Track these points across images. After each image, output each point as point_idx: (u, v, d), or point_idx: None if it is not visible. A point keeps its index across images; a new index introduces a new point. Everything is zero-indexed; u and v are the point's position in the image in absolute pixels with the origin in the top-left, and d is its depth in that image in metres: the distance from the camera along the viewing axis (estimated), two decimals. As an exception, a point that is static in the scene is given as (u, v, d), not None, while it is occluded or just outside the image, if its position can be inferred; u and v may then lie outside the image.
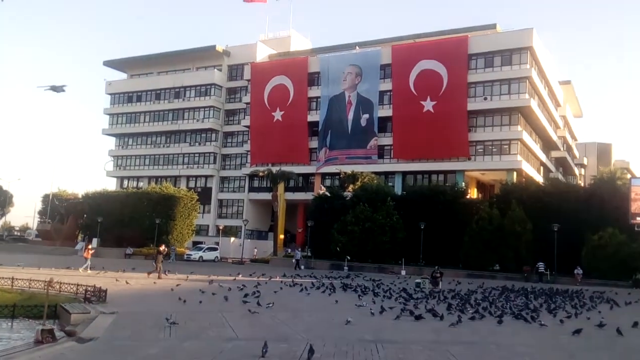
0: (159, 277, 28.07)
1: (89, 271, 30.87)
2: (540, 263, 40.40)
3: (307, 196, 60.06)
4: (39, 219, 77.41)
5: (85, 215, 65.85)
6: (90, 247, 36.02)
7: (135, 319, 13.72)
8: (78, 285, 18.94)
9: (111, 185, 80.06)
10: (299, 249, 47.92)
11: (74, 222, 67.47)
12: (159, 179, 74.27)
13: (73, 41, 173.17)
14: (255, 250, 58.87)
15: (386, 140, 61.39)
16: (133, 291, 21.90)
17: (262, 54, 73.96)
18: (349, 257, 45.83)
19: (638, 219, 41.37)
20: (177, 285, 23.98)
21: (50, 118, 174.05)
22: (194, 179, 75.31)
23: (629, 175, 53.07)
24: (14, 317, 16.70)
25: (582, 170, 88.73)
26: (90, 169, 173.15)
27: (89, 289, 17.71)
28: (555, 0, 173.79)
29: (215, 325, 13.70)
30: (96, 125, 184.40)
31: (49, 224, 70.26)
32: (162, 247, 32.23)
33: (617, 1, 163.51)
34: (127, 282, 24.49)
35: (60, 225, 67.71)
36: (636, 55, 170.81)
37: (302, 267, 45.76)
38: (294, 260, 46.74)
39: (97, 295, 17.35)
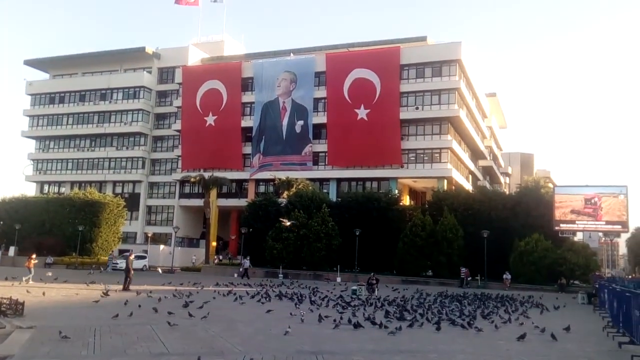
0: (126, 288, 26.19)
1: (31, 282, 28.73)
2: (463, 268, 41.32)
3: (241, 202, 59.13)
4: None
5: (1, 222, 62.04)
6: (33, 257, 33.61)
7: (56, 333, 12.56)
8: (-8, 297, 17.37)
9: (30, 190, 76.20)
10: (248, 258, 46.33)
11: (-11, 230, 63.40)
12: (83, 184, 71.25)
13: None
14: (194, 257, 57.09)
15: (321, 147, 61.39)
16: (53, 303, 20.40)
17: (195, 58, 72.43)
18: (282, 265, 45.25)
19: (562, 225, 43.23)
20: (102, 296, 22.59)
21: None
22: (121, 184, 72.56)
23: (550, 185, 55.46)
24: None
25: (507, 179, 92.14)
26: (7, 173, 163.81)
27: (4, 301, 16.23)
28: (481, 16, 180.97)
29: (144, 339, 12.74)
30: (15, 127, 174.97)
31: (-39, 231, 65.61)
32: (132, 257, 30.04)
33: (540, 19, 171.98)
34: (43, 294, 22.80)
35: (-25, 232, 63.40)
36: (556, 70, 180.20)
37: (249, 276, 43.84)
38: (241, 269, 45.20)
39: (14, 309, 15.93)
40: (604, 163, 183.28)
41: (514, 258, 41.65)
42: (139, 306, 18.96)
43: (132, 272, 27.61)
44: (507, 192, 63.73)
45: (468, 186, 61.46)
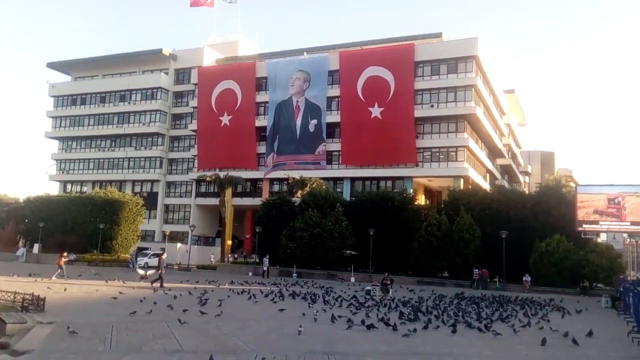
0: (160, 286, 27.08)
1: (54, 279, 29.89)
2: (476, 269, 40.50)
3: (256, 202, 59.37)
4: (-23, 224, 73.48)
5: (26, 221, 63.20)
6: (64, 255, 35.07)
7: (74, 329, 12.85)
8: (15, 293, 17.83)
9: (54, 189, 77.29)
10: (267, 257, 45.66)
11: (14, 228, 64.67)
12: (104, 184, 72.08)
13: (15, 42, 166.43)
14: (212, 255, 57.35)
15: (334, 145, 61.32)
16: (74, 299, 20.81)
17: (210, 59, 72.95)
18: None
19: (584, 226, 41.58)
20: (120, 293, 22.97)
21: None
22: (139, 183, 73.35)
23: (572, 184, 54.10)
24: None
25: (527, 178, 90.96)
26: (32, 172, 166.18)
27: (27, 297, 16.71)
28: (500, 10, 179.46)
29: (159, 337, 13.00)
30: (39, 128, 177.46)
31: (-13, 229, 66.92)
32: (164, 256, 30.80)
33: (560, 14, 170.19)
34: (65, 290, 23.27)
35: (0, 230, 64.71)
36: (577, 66, 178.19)
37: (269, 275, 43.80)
38: (264, 268, 44.79)
39: (35, 304, 16.38)
40: (628, 161, 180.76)
41: (534, 259, 40.36)
42: (154, 303, 19.27)
43: (164, 270, 28.58)
44: (527, 192, 62.71)
45: (485, 185, 60.89)
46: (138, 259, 52.24)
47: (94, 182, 73.99)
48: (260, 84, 66.15)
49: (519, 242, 40.93)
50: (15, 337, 12.46)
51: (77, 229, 57.26)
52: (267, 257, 45.89)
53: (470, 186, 55.02)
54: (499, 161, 73.77)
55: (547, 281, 39.22)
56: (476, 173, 59.13)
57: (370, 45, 63.27)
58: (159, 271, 28.41)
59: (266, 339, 13.49)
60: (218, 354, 10.74)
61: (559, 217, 41.92)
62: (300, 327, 14.58)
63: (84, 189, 73.92)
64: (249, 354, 11.39)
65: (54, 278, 30.01)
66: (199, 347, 12.02)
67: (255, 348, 12.07)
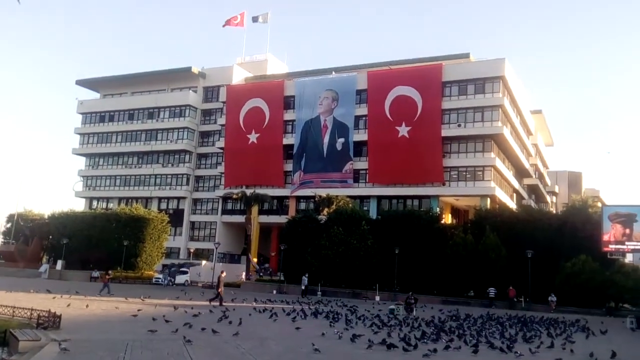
0: (220, 304, 27.44)
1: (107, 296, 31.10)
2: (491, 288, 40.26)
3: (282, 219, 59.27)
4: (2, 240, 74.81)
5: (50, 237, 63.77)
6: (109, 273, 37.33)
7: (88, 347, 12.75)
8: (32, 310, 17.83)
9: (80, 205, 78.47)
10: (307, 275, 44.35)
11: (38, 244, 65.32)
12: (130, 200, 72.84)
13: (46, 59, 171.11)
14: (243, 274, 57.10)
15: (361, 164, 61.22)
16: (92, 316, 20.79)
17: (239, 77, 73.72)
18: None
19: (611, 246, 41.31)
20: (139, 310, 22.92)
21: (17, 136, 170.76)
22: (165, 200, 74.04)
23: (599, 204, 53.33)
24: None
25: (554, 198, 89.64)
26: (59, 189, 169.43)
27: (42, 314, 16.65)
28: (526, 30, 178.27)
29: (173, 355, 12.81)
30: (66, 145, 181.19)
31: (12, 244, 67.88)
32: (224, 274, 30.96)
33: (586, 32, 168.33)
34: (87, 306, 23.33)
35: (25, 246, 65.26)
36: (605, 86, 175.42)
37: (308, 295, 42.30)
38: (302, 287, 43.45)
39: (51, 321, 16.29)
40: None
41: (560, 280, 39.99)
42: (165, 321, 18.99)
43: (222, 289, 28.97)
44: (554, 212, 61.75)
45: (512, 205, 60.02)
46: (177, 276, 52.78)
47: (120, 199, 74.87)
48: (288, 103, 66.56)
49: (544, 262, 40.69)
50: (27, 354, 12.39)
51: (101, 245, 57.15)
52: (307, 275, 44.55)
53: (497, 205, 54.35)
54: (526, 181, 72.77)
55: (573, 301, 38.74)
56: (503, 193, 58.34)
57: (398, 65, 63.48)
58: (219, 289, 28.74)
59: (283, 358, 13.21)
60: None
61: (586, 237, 41.48)
62: (314, 346, 14.25)
63: (110, 205, 74.69)
64: (264, 374, 11.14)
65: (99, 295, 30.97)
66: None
67: (271, 367, 11.80)
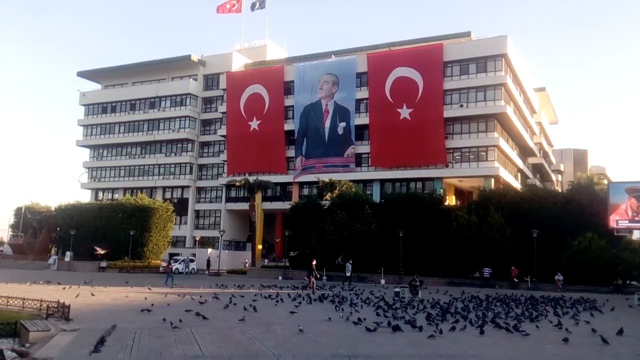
0: (313, 292, 28.80)
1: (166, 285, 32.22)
2: (486, 268, 40.44)
3: (285, 205, 59.37)
4: (11, 233, 75.40)
5: (58, 229, 64.33)
6: (171, 262, 40.48)
7: (97, 336, 12.84)
8: (42, 301, 18.03)
9: (86, 197, 78.75)
10: (350, 262, 41.79)
11: (47, 236, 66.06)
12: (135, 190, 73.06)
13: (46, 52, 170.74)
14: (247, 260, 57.30)
15: (363, 148, 61.04)
16: (101, 306, 20.96)
17: (238, 64, 73.37)
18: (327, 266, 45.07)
19: (622, 223, 40.93)
20: (145, 299, 23.08)
21: (22, 130, 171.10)
22: (170, 189, 74.23)
23: (606, 181, 53.03)
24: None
25: (559, 177, 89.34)
26: (64, 181, 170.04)
27: (52, 305, 16.84)
28: (528, 7, 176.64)
29: (181, 342, 12.90)
30: (70, 137, 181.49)
31: (21, 237, 68.46)
32: (314, 262, 32.09)
33: (590, 8, 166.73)
34: (92, 295, 23.52)
35: (33, 238, 65.98)
36: (610, 62, 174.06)
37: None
38: (347, 274, 40.81)
39: (60, 312, 16.47)
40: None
41: (566, 258, 39.98)
42: (167, 306, 19.20)
43: (313, 277, 30.84)
44: (560, 190, 61.51)
45: (517, 184, 59.83)
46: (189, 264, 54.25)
47: (125, 189, 75.09)
48: (289, 88, 66.25)
49: (550, 240, 40.60)
50: (37, 345, 12.52)
51: (108, 236, 57.65)
52: (350, 262, 42.07)
53: (501, 186, 54.20)
54: (531, 160, 72.49)
55: (580, 280, 38.77)
56: (507, 172, 58.14)
57: (398, 46, 62.96)
58: (311, 278, 30.54)
59: (289, 343, 13.30)
60: (237, 359, 10.57)
61: (592, 215, 41.38)
62: (322, 330, 14.36)
63: (115, 196, 74.96)
64: (270, 359, 11.22)
65: (165, 285, 32.17)
66: (220, 352, 11.87)
67: (277, 352, 11.89)
